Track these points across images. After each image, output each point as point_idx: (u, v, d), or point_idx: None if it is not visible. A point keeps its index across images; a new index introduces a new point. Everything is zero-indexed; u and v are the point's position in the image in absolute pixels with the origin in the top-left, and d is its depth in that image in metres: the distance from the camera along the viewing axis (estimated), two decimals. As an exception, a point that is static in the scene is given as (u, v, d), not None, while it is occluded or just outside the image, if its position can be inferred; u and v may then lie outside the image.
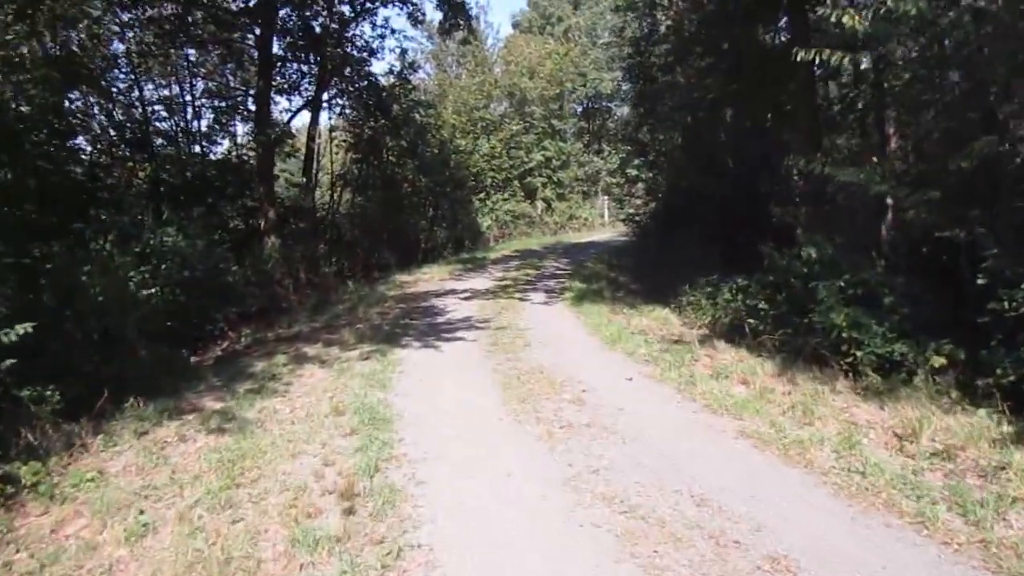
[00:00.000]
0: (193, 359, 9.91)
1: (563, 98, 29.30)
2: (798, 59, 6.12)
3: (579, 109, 32.14)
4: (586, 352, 7.81)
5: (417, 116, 21.49)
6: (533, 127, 27.63)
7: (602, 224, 31.16)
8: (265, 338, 9.87)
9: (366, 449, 4.80)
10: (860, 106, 10.89)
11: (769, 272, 7.98)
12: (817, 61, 6.42)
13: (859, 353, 6.05)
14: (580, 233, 28.35)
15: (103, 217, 9.44)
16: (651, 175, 17.76)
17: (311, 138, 15.91)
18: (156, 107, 16.67)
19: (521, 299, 11.96)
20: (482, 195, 25.09)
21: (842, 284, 6.56)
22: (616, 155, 31.54)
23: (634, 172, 31.97)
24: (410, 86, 21.13)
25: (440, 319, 10.15)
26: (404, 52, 20.62)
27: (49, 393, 5.53)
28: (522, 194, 27.56)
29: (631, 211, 20.21)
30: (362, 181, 20.57)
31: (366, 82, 19.41)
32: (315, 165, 19.77)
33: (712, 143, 13.33)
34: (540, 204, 28.51)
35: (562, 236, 27.01)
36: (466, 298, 12.23)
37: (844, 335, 6.15)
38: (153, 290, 8.54)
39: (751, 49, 11.67)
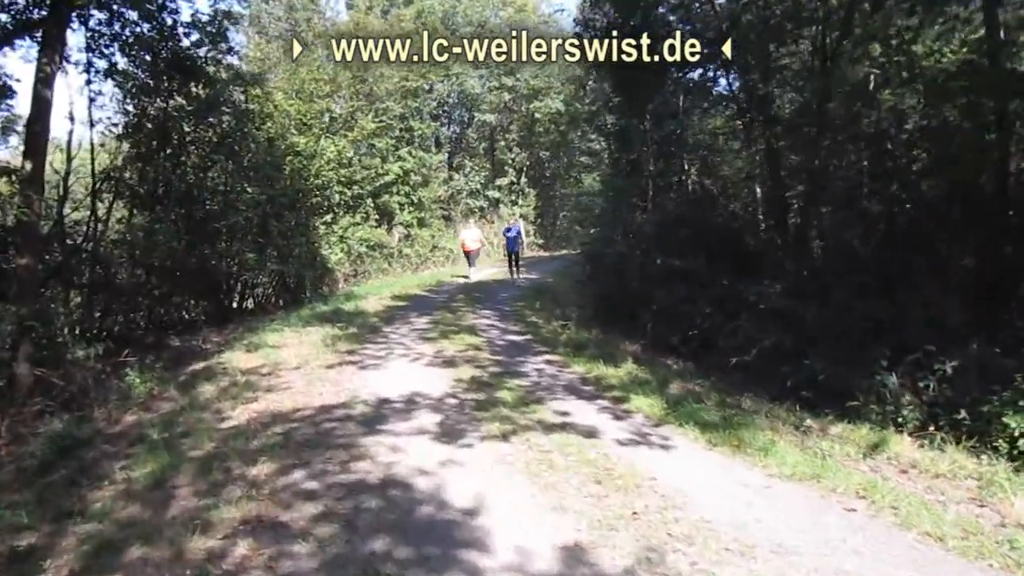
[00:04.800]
0: None
1: (422, 95, 22.87)
2: None
3: (432, 115, 25.88)
4: None
5: (236, 94, 13.96)
6: (389, 128, 20.83)
7: (467, 256, 25.05)
8: None
9: None
10: None
11: None
12: None
13: None
14: (448, 268, 21.89)
15: None
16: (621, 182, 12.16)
17: (42, 81, 7.50)
18: None
19: (577, 429, 5.44)
20: (328, 217, 17.71)
21: None
22: (478, 173, 26.09)
23: (492, 195, 26.70)
24: (226, 46, 13.56)
25: None
26: (216, -9, 13.01)
27: None
28: (376, 217, 20.55)
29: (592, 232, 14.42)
30: (147, 189, 12.49)
31: (153, 22, 11.66)
32: (67, 155, 11.40)
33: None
34: (398, 231, 21.69)
35: (434, 273, 20.44)
36: (439, 436, 5.36)
37: None
38: None
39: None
